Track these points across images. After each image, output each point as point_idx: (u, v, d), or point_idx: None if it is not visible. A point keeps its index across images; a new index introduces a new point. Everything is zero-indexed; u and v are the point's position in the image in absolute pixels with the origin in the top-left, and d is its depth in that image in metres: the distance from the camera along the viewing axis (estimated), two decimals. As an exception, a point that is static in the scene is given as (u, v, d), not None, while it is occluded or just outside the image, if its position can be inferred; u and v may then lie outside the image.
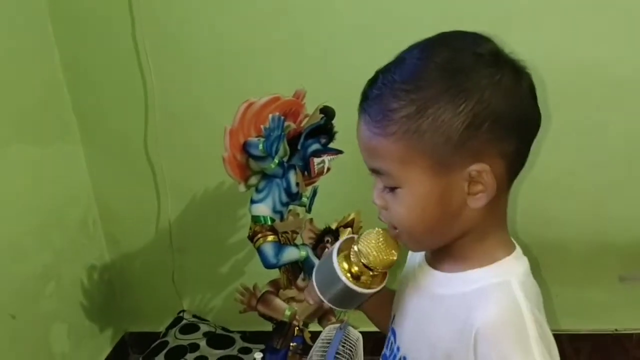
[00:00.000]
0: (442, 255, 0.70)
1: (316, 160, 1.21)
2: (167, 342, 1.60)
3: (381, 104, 0.63)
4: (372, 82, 0.65)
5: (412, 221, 0.65)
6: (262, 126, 1.09)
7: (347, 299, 0.74)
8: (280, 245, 1.17)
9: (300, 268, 1.24)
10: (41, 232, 1.45)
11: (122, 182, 1.64)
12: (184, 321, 1.69)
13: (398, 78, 0.62)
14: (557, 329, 1.62)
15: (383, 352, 0.80)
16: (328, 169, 1.25)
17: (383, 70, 0.65)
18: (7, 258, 1.34)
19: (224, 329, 1.68)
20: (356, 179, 1.30)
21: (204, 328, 1.66)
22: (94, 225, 1.67)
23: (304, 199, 1.29)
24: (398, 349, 0.75)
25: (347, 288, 0.71)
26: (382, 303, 0.81)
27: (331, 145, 1.23)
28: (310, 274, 1.20)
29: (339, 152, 1.23)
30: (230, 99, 1.47)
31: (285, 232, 1.21)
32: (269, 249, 1.15)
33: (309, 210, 1.31)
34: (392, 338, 0.77)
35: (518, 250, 0.69)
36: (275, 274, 1.43)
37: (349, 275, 0.72)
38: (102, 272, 1.70)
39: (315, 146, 1.21)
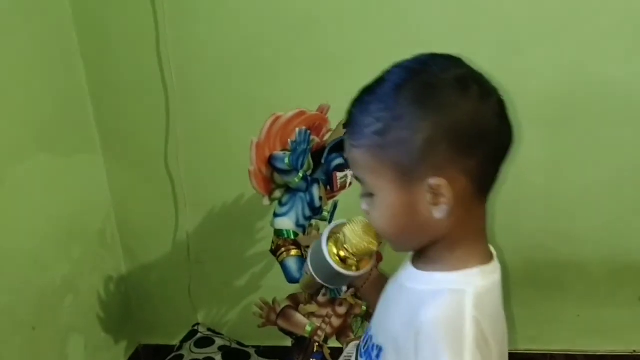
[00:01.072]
0: (419, 255, 0.76)
1: (339, 174, 1.21)
2: (181, 356, 1.59)
3: (357, 120, 0.70)
4: (355, 100, 0.72)
5: (384, 225, 0.72)
6: (289, 140, 1.10)
7: (335, 279, 0.82)
8: (303, 260, 1.16)
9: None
10: (61, 243, 1.46)
11: (140, 194, 1.65)
12: (199, 334, 1.68)
13: (373, 98, 0.69)
14: (573, 350, 1.65)
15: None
16: (350, 184, 1.25)
17: (364, 89, 0.72)
18: (28, 269, 1.35)
19: (239, 343, 1.68)
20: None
21: (218, 342, 1.65)
22: (112, 237, 1.67)
23: (325, 214, 1.29)
24: (370, 328, 0.83)
25: (333, 270, 0.80)
26: (376, 288, 0.86)
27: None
28: (331, 289, 1.22)
29: (362, 166, 1.23)
30: (251, 112, 1.49)
31: (308, 247, 1.20)
32: (292, 264, 1.15)
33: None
34: (372, 317, 0.85)
35: (491, 265, 0.73)
36: (293, 288, 1.43)
37: (337, 258, 0.80)
38: (119, 284, 1.70)
39: (339, 160, 1.21)
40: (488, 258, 0.74)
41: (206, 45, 1.47)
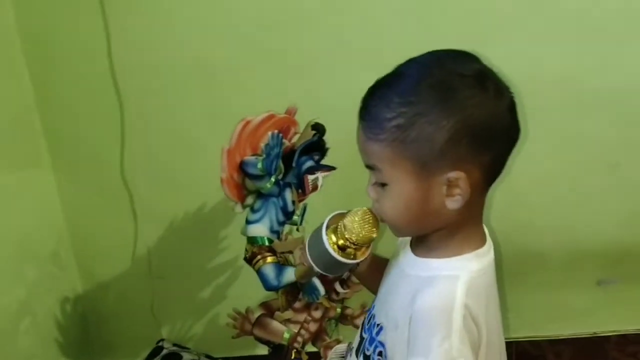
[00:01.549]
0: (419, 241, 0.80)
1: (310, 177, 1.19)
2: (148, 374, 1.53)
3: (376, 113, 0.72)
4: (371, 92, 0.74)
5: (395, 214, 0.75)
6: (261, 144, 1.07)
7: (334, 267, 0.85)
8: (280, 266, 1.14)
9: (298, 288, 1.21)
10: (14, 264, 1.38)
11: (95, 209, 1.57)
12: (165, 350, 1.62)
13: (393, 92, 0.71)
14: (537, 335, 1.70)
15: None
16: (321, 186, 1.24)
17: (381, 82, 0.74)
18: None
19: (207, 356, 1.63)
20: (341, 195, 1.31)
21: (186, 357, 1.60)
22: (66, 256, 1.59)
23: (295, 217, 1.27)
24: (374, 307, 0.88)
25: (333, 258, 0.82)
26: (373, 270, 0.93)
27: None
28: (309, 294, 1.20)
29: (332, 168, 1.21)
30: (209, 120, 1.47)
31: (284, 253, 1.18)
32: (269, 271, 1.12)
33: (299, 229, 1.29)
34: (375, 297, 0.90)
35: (484, 248, 0.78)
36: (262, 296, 1.41)
37: (335, 247, 0.82)
38: (76, 305, 1.62)
39: (309, 163, 1.19)
40: (483, 240, 0.79)
41: (160, 53, 1.41)
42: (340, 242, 0.81)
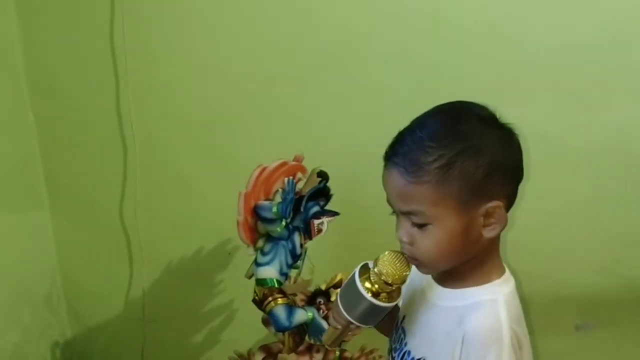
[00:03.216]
0: (447, 274, 0.85)
1: (316, 222, 1.25)
2: (138, 422, 1.51)
3: (414, 158, 0.78)
4: (400, 140, 0.81)
5: (437, 251, 0.80)
6: (279, 189, 1.12)
7: (371, 314, 0.86)
8: (291, 307, 1.17)
9: (304, 330, 1.25)
10: (10, 307, 1.36)
11: (91, 252, 1.58)
12: (154, 397, 1.61)
13: (426, 137, 0.78)
14: None
15: (392, 345, 0.96)
16: (325, 231, 1.29)
17: (408, 131, 0.81)
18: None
19: (198, 402, 1.62)
20: (337, 240, 1.37)
21: (176, 404, 1.59)
22: (58, 300, 1.58)
23: (298, 262, 1.31)
24: (406, 344, 0.91)
25: (372, 304, 0.84)
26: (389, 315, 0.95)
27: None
28: (315, 335, 1.23)
29: (336, 213, 1.27)
30: (210, 166, 1.51)
31: (294, 294, 1.22)
32: (281, 312, 1.16)
33: (300, 272, 1.34)
34: (402, 335, 0.93)
35: (507, 273, 0.86)
36: (256, 339, 1.43)
37: (370, 294, 0.84)
38: (64, 351, 1.60)
39: (316, 208, 1.24)
40: (504, 267, 0.86)
41: (164, 102, 1.47)
42: (375, 288, 0.83)
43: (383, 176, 0.82)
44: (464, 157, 0.76)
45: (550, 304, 1.70)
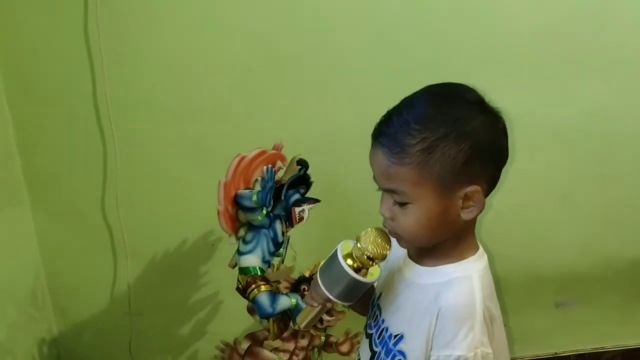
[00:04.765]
0: (424, 252, 0.89)
1: (297, 209, 1.26)
2: (128, 414, 1.52)
3: (398, 140, 0.80)
4: (387, 121, 0.83)
5: (416, 229, 0.83)
6: (258, 178, 1.13)
7: (352, 291, 0.88)
8: (274, 294, 1.19)
9: (289, 316, 1.26)
10: (-5, 305, 1.36)
11: (73, 247, 1.57)
12: (142, 390, 1.62)
13: (412, 119, 0.80)
14: None
15: (368, 322, 0.99)
16: (306, 218, 1.30)
17: (395, 112, 0.83)
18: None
19: (186, 393, 1.63)
20: (319, 227, 1.38)
21: (165, 395, 1.60)
22: (42, 296, 1.57)
23: (281, 250, 1.32)
24: (383, 321, 0.93)
25: (354, 280, 0.86)
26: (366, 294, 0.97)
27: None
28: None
29: (317, 201, 1.28)
30: (193, 157, 1.51)
31: (277, 282, 1.23)
32: (264, 299, 1.17)
33: (283, 260, 1.35)
34: (377, 312, 0.96)
35: (481, 249, 0.89)
36: (241, 329, 1.44)
37: (352, 270, 0.86)
38: (51, 347, 1.60)
39: (296, 196, 1.25)
40: (477, 244, 0.90)
41: (144, 93, 1.46)
42: (356, 264, 0.86)
43: (370, 153, 0.85)
44: (446, 141, 0.78)
45: (529, 283, 1.74)
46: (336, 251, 0.88)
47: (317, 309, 0.92)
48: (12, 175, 1.46)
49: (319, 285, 0.88)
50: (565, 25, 1.51)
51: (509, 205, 1.64)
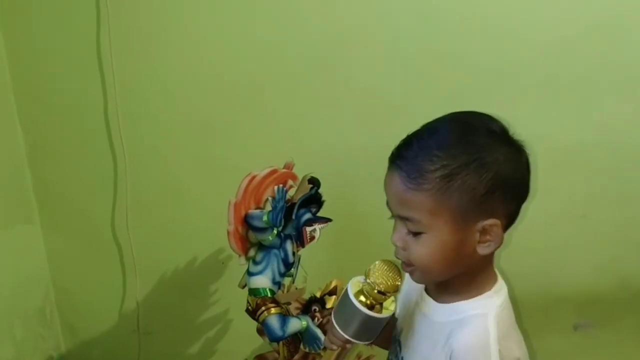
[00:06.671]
0: (439, 287, 0.85)
1: (309, 229, 1.23)
2: None
3: (417, 164, 0.76)
4: (406, 144, 0.79)
5: (430, 261, 0.79)
6: (269, 197, 1.11)
7: (368, 328, 0.85)
8: (284, 317, 1.16)
9: (299, 339, 1.23)
10: (3, 322, 1.35)
11: (83, 265, 1.57)
12: (150, 410, 1.59)
13: (434, 145, 0.76)
14: None
15: (389, 357, 0.95)
16: (317, 238, 1.27)
17: (416, 136, 0.79)
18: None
19: (195, 414, 1.60)
20: (331, 246, 1.36)
21: (173, 415, 1.58)
22: (51, 314, 1.56)
23: (291, 270, 1.30)
24: (402, 358, 0.90)
25: (368, 317, 0.83)
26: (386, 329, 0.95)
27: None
28: (309, 343, 1.22)
29: (328, 220, 1.26)
30: (203, 175, 1.50)
31: (287, 303, 1.21)
32: (274, 322, 1.14)
33: (294, 280, 1.32)
34: (398, 348, 0.92)
35: (500, 281, 0.85)
36: (252, 348, 1.41)
37: (365, 307, 0.83)
38: (59, 364, 1.58)
39: (308, 215, 1.23)
40: (496, 276, 0.85)
41: (155, 109, 1.46)
42: (370, 300, 0.82)
43: (385, 178, 0.81)
44: (467, 170, 0.75)
45: (547, 304, 1.69)
46: (347, 290, 0.84)
47: (337, 351, 0.90)
48: (22, 192, 1.47)
49: (334, 327, 0.85)
50: (579, 42, 1.48)
51: (526, 225, 1.59)
